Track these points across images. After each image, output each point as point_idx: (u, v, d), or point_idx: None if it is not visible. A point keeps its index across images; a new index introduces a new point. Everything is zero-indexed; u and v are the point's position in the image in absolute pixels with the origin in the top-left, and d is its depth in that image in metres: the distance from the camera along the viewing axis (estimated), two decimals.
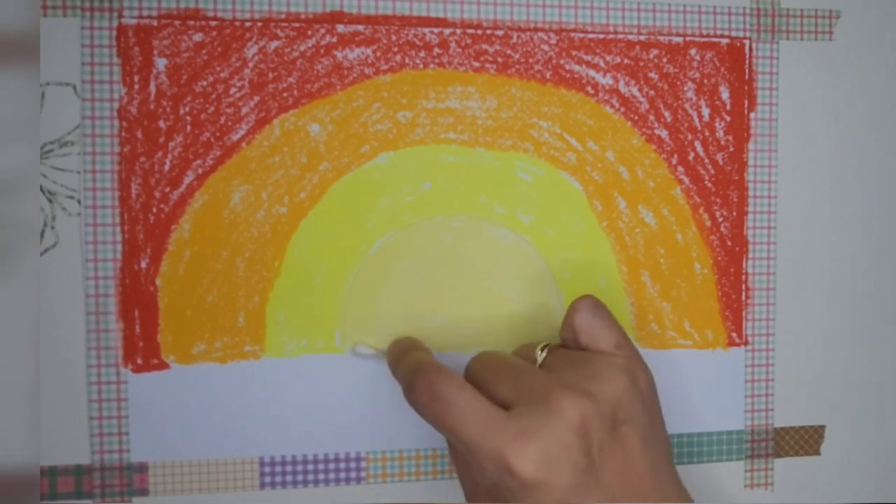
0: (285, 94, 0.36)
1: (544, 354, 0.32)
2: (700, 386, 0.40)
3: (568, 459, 0.28)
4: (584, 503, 0.28)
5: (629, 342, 0.32)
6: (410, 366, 0.32)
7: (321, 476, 0.37)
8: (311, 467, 0.37)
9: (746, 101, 0.40)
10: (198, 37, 0.35)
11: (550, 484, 0.28)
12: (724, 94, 0.40)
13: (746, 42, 0.40)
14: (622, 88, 0.39)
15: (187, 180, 0.36)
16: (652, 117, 0.39)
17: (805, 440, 0.41)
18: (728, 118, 0.40)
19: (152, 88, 0.35)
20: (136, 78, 0.35)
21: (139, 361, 0.36)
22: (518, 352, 0.34)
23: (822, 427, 0.42)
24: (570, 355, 0.32)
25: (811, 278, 0.41)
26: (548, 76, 0.38)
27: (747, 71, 0.40)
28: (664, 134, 0.39)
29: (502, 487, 0.29)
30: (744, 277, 0.40)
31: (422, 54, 0.37)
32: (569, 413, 0.28)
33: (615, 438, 0.29)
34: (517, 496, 0.28)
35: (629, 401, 0.30)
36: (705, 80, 0.39)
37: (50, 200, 0.35)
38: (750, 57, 0.40)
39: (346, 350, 0.37)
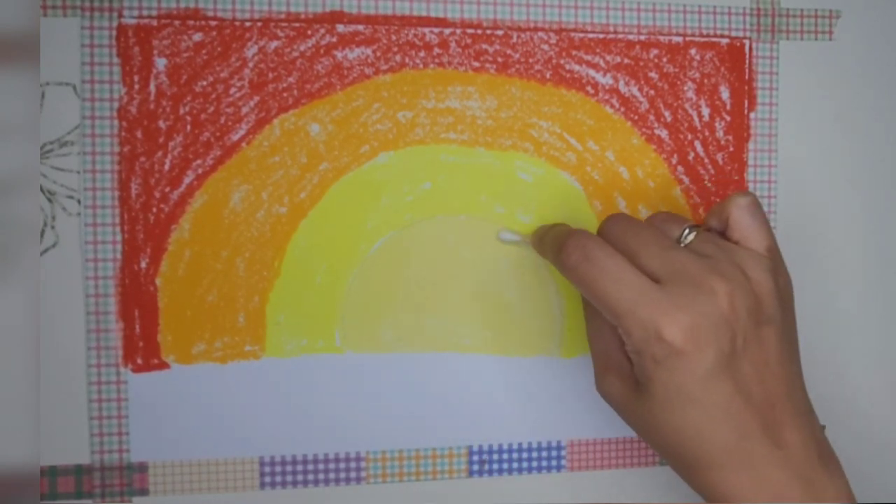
0: (285, 94, 0.36)
1: (691, 237, 0.32)
2: None
3: (714, 340, 0.29)
4: (724, 385, 0.29)
5: (776, 245, 0.33)
6: (561, 231, 0.33)
7: (321, 476, 0.37)
8: (311, 467, 0.37)
9: (746, 101, 0.40)
10: (198, 37, 0.35)
11: (694, 356, 0.29)
12: (724, 94, 0.40)
13: (746, 42, 0.40)
14: (622, 88, 0.39)
15: (187, 180, 0.36)
16: (652, 117, 0.39)
17: None
18: (728, 118, 0.40)
19: (152, 88, 0.35)
20: (136, 78, 0.35)
21: (139, 361, 0.36)
22: (656, 220, 0.33)
23: (822, 427, 0.41)
24: (719, 244, 0.32)
25: (811, 278, 0.41)
26: (548, 76, 0.38)
27: (747, 71, 0.40)
28: (664, 134, 0.39)
29: (645, 354, 0.29)
30: None
31: (422, 54, 0.37)
32: (720, 297, 0.29)
33: (758, 335, 0.30)
34: (659, 362, 0.29)
35: (773, 301, 0.30)
36: (705, 80, 0.39)
37: (50, 200, 0.35)
38: (750, 57, 0.40)
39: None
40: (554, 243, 0.33)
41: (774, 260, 0.32)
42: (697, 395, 0.29)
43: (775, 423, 0.30)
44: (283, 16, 0.36)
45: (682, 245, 0.32)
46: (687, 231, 0.32)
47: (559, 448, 0.39)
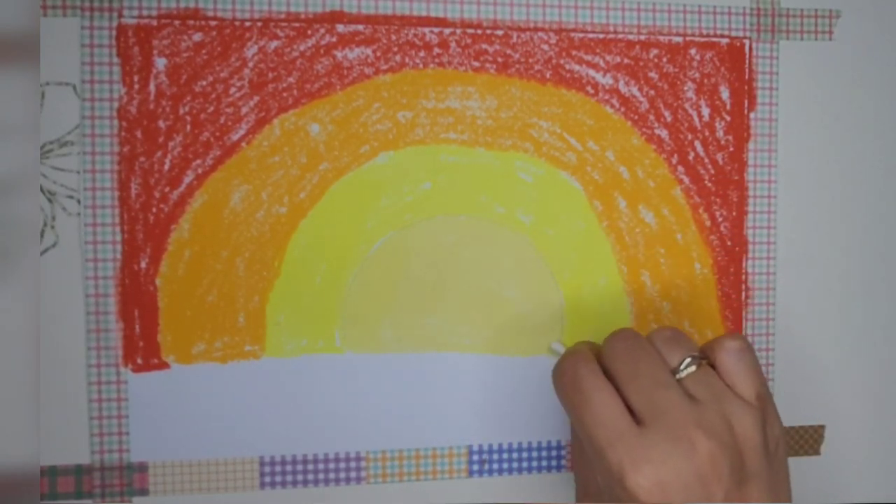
0: (285, 94, 0.36)
1: (689, 370, 0.31)
2: None
3: (683, 497, 0.28)
4: None
5: (768, 392, 0.32)
6: (573, 349, 0.33)
7: (321, 476, 0.37)
8: (311, 467, 0.37)
9: (746, 101, 0.40)
10: (198, 37, 0.35)
11: None
12: (724, 94, 0.40)
13: (746, 42, 0.40)
14: (622, 88, 0.39)
15: (187, 180, 0.36)
16: (652, 117, 0.39)
17: (805, 440, 0.41)
18: (728, 118, 0.40)
19: (152, 88, 0.35)
20: (135, 78, 0.35)
21: (139, 361, 0.36)
22: (659, 340, 0.32)
23: (822, 427, 0.42)
24: (713, 387, 0.31)
25: (811, 278, 0.41)
26: (548, 76, 0.38)
27: (747, 71, 0.40)
28: (664, 134, 0.39)
29: (612, 497, 0.29)
30: (744, 277, 0.40)
31: (422, 54, 0.37)
32: (700, 454, 0.28)
33: (741, 492, 0.29)
34: None
35: (758, 456, 0.30)
36: (705, 80, 0.39)
37: (50, 200, 0.35)
38: (750, 57, 0.40)
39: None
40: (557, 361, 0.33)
41: (764, 409, 0.31)
42: None
43: None
44: (283, 16, 0.36)
45: (678, 377, 0.31)
46: (688, 361, 0.31)
47: (559, 448, 0.39)
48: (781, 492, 0.31)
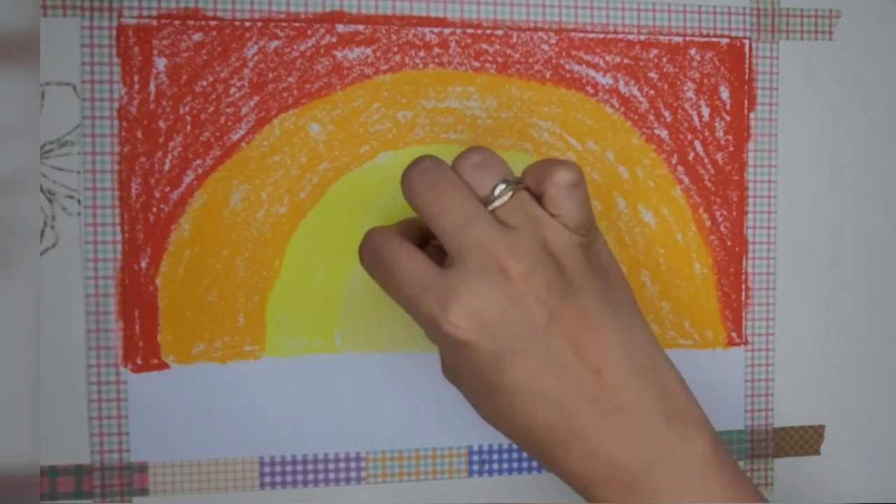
0: (285, 94, 0.36)
1: (504, 199, 0.29)
2: (700, 386, 0.40)
3: (502, 324, 0.27)
4: (524, 368, 0.27)
5: (591, 221, 0.30)
6: None
7: (321, 476, 0.37)
8: (311, 467, 0.37)
9: (746, 101, 0.40)
10: (198, 37, 0.35)
11: (480, 344, 0.27)
12: (724, 93, 0.40)
13: (746, 42, 0.40)
14: (622, 88, 0.39)
15: (187, 180, 0.36)
16: (652, 117, 0.39)
17: (805, 440, 0.41)
18: (728, 118, 0.40)
19: (152, 88, 0.35)
20: (135, 78, 0.35)
21: (139, 361, 0.36)
22: (466, 168, 0.29)
23: (822, 427, 0.42)
24: (529, 212, 0.29)
25: (811, 278, 0.41)
26: (548, 76, 0.38)
27: (747, 71, 0.40)
28: (664, 134, 0.39)
29: (442, 348, 0.29)
30: (744, 277, 0.40)
31: (422, 54, 0.37)
32: (512, 279, 0.27)
33: (570, 306, 0.28)
34: (455, 354, 0.28)
35: (580, 269, 0.29)
36: (705, 80, 0.39)
37: (50, 200, 0.35)
38: (750, 57, 0.40)
39: None
40: None
41: (588, 235, 0.30)
42: (497, 382, 0.28)
43: (604, 389, 0.28)
44: (283, 16, 0.36)
45: (491, 207, 0.29)
46: (501, 189, 0.29)
47: None
48: (618, 297, 0.30)
